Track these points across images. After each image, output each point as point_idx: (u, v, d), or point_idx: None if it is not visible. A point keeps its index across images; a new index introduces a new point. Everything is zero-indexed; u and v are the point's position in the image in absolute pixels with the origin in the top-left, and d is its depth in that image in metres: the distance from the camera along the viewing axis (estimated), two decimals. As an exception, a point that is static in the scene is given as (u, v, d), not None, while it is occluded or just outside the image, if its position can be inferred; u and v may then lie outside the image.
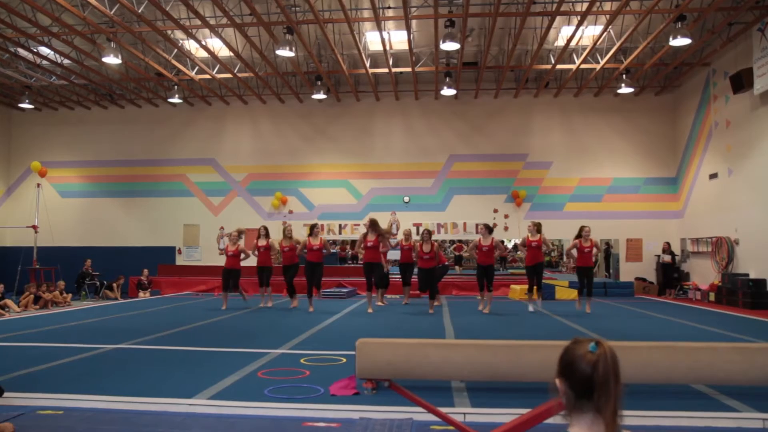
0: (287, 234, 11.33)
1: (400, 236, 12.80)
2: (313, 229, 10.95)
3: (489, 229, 10.84)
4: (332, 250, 14.60)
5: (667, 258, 15.51)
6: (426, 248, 10.77)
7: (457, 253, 20.56)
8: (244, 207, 17.88)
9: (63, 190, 18.55)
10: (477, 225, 17.08)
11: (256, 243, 11.64)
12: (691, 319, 10.17)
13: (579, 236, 10.45)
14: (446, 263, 12.95)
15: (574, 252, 10.59)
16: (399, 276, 12.75)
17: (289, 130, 17.99)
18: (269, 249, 11.52)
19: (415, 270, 12.30)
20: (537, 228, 10.52)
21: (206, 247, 17.48)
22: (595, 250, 10.60)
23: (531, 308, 10.95)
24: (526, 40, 14.25)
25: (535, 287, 10.83)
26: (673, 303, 13.56)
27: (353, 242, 22.71)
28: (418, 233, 12.34)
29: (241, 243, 11.91)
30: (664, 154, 16.83)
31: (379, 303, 11.89)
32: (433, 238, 16.88)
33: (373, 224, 10.74)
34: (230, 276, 11.49)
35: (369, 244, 10.76)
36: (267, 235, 11.58)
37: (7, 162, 18.90)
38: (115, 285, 15.39)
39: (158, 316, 10.58)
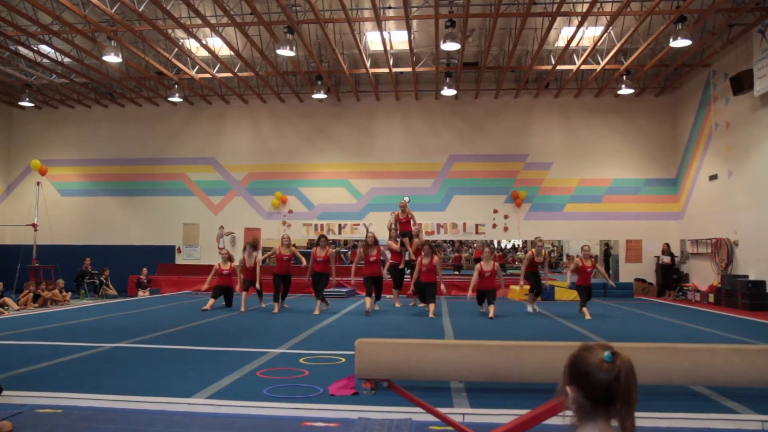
0: (285, 242, 11.04)
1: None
2: (320, 240, 10.74)
3: (492, 252, 10.53)
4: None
5: (667, 259, 15.53)
6: (425, 261, 10.45)
7: (456, 264, 20.59)
8: (243, 206, 17.88)
9: (63, 189, 18.54)
10: (476, 243, 17.09)
11: (244, 258, 11.35)
12: (691, 320, 10.17)
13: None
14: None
15: (575, 271, 10.50)
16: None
17: (290, 130, 17.99)
18: (255, 266, 11.26)
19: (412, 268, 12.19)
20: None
21: (206, 246, 17.48)
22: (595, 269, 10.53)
23: (530, 309, 10.95)
24: (527, 41, 14.25)
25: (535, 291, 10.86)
26: (673, 304, 13.57)
27: (353, 247, 22.59)
28: (417, 235, 12.25)
29: (236, 261, 11.73)
30: (664, 155, 16.82)
31: (398, 304, 11.91)
32: (432, 237, 17.00)
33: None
34: (223, 292, 11.37)
35: (371, 260, 10.54)
36: (255, 249, 11.39)
37: (7, 160, 18.89)
38: (103, 278, 15.42)
39: (157, 315, 10.58)
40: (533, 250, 10.73)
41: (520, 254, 24.31)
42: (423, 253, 10.58)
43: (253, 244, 11.51)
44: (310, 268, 10.81)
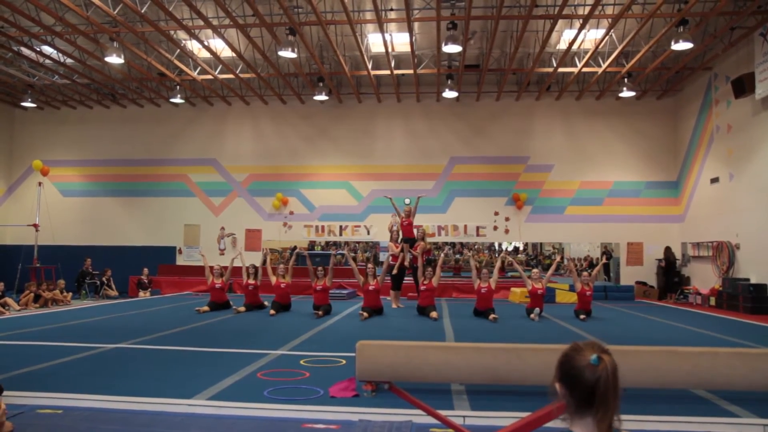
0: (281, 273, 10.95)
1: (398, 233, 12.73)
2: (316, 272, 10.64)
3: (490, 274, 10.42)
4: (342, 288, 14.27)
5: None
6: (425, 282, 10.49)
7: (455, 273, 20.57)
8: (244, 207, 17.88)
9: (64, 189, 18.56)
10: (477, 245, 17.09)
11: (246, 281, 11.23)
12: (692, 323, 10.16)
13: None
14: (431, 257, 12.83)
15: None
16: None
17: (291, 131, 18.00)
18: (258, 288, 11.21)
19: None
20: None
21: (207, 247, 17.45)
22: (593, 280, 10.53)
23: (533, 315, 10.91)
24: (528, 43, 14.25)
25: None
26: (674, 307, 13.55)
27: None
28: (423, 238, 12.24)
29: (229, 271, 11.58)
30: (665, 158, 16.82)
31: (395, 306, 11.89)
32: (433, 240, 17.00)
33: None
34: (218, 307, 11.17)
35: (370, 288, 10.44)
36: (256, 274, 11.24)
37: (9, 160, 18.92)
38: (105, 279, 15.43)
39: (158, 315, 10.58)
40: (479, 282, 10.40)
41: (520, 256, 24.31)
42: (425, 276, 10.58)
43: (254, 270, 11.31)
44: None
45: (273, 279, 10.92)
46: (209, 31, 13.04)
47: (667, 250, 15.73)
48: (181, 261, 17.87)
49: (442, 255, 13.11)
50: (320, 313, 10.25)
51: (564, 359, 1.57)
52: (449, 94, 15.60)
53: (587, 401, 1.49)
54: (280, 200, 17.52)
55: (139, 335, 7.81)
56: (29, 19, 11.87)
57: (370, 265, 11.13)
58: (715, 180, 14.59)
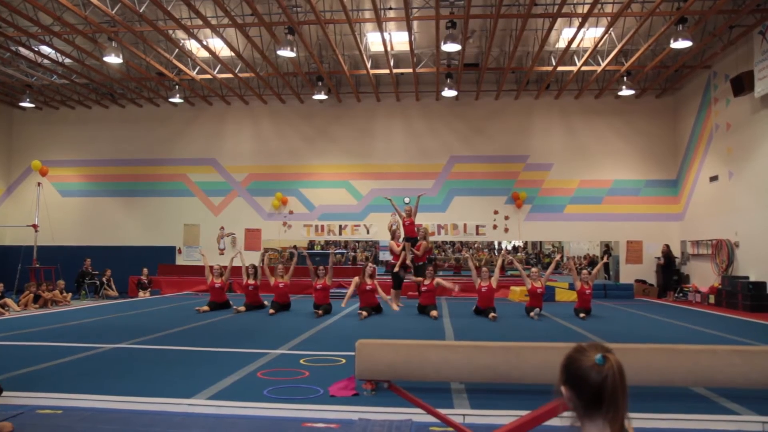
0: (280, 273, 10.96)
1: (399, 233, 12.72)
2: (316, 271, 10.63)
3: (490, 273, 10.42)
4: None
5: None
6: (426, 282, 10.59)
7: (455, 272, 20.61)
8: (244, 207, 17.88)
9: (63, 189, 18.55)
10: (477, 244, 17.09)
11: (246, 281, 11.23)
12: (691, 321, 10.16)
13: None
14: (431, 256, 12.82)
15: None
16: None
17: (290, 131, 17.99)
18: (258, 288, 11.21)
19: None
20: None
21: (206, 247, 17.44)
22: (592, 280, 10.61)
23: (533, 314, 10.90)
24: (527, 42, 14.25)
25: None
26: (673, 305, 13.56)
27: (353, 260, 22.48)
28: (425, 237, 12.24)
29: (227, 274, 11.55)
30: (664, 157, 16.82)
31: (396, 307, 11.85)
32: (433, 239, 17.00)
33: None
34: (218, 307, 11.14)
35: (367, 287, 10.45)
36: (255, 274, 11.21)
37: (7, 161, 18.90)
38: (105, 279, 15.43)
39: (158, 315, 10.58)
40: (480, 281, 10.45)
41: (520, 255, 24.36)
42: (425, 276, 10.65)
43: (254, 270, 11.30)
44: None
45: (271, 280, 10.93)
46: (208, 31, 13.03)
47: (666, 248, 15.75)
48: (180, 261, 17.87)
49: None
50: (320, 312, 10.25)
51: (568, 362, 1.54)
52: (448, 93, 15.59)
53: (595, 402, 1.47)
54: (279, 200, 17.51)
55: (139, 335, 7.81)
56: (27, 19, 11.85)
57: (371, 264, 11.13)
58: (714, 178, 14.60)
